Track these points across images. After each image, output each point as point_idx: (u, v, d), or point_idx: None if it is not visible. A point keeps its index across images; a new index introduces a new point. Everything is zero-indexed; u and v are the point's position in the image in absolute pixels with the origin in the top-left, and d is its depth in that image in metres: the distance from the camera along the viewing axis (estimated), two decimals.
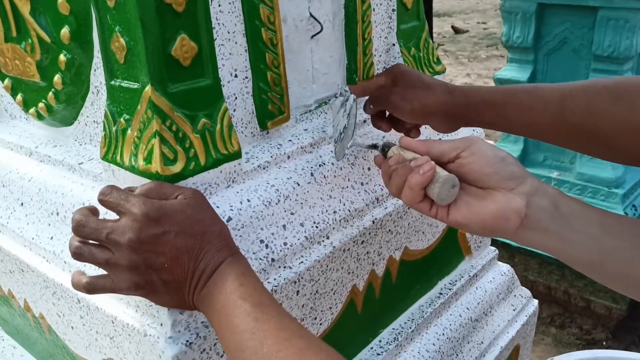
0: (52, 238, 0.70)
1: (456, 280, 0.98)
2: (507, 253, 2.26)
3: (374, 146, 0.70)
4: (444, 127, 0.75)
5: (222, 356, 0.60)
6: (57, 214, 0.70)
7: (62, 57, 0.67)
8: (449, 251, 0.97)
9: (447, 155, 0.59)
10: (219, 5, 0.64)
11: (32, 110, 0.76)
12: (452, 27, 7.23)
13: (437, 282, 0.97)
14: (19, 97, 0.78)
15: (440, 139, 0.78)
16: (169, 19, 0.58)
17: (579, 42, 2.05)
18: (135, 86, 0.60)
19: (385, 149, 0.67)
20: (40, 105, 0.74)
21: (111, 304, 0.63)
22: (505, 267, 1.09)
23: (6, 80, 0.79)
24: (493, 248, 1.09)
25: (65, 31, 0.65)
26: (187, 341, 0.57)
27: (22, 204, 0.76)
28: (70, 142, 0.76)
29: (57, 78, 0.69)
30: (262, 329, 0.48)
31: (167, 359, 0.56)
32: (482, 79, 5.30)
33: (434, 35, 6.41)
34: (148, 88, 0.58)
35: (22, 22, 0.70)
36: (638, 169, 2.27)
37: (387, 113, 0.81)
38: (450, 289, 0.96)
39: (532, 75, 2.18)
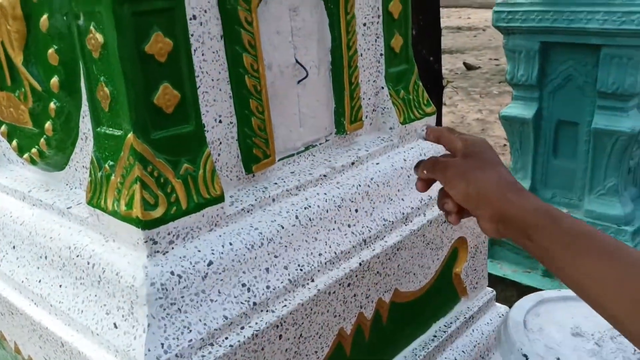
0: (40, 281, 0.71)
1: (451, 323, 0.97)
2: (517, 292, 2.22)
3: None
4: (488, 225, 0.62)
5: None
6: (45, 257, 0.71)
7: (52, 105, 0.69)
8: (443, 292, 0.96)
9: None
10: (203, 55, 0.66)
11: (26, 155, 0.78)
12: (464, 63, 7.29)
13: (431, 324, 0.96)
14: (14, 142, 0.80)
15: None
16: (151, 69, 0.60)
17: (584, 80, 2.05)
18: (119, 133, 0.61)
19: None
20: (34, 150, 0.76)
21: (93, 348, 0.63)
22: (503, 308, 1.07)
23: (3, 127, 0.82)
24: (490, 289, 1.07)
25: (54, 81, 0.67)
26: None
27: (14, 247, 0.77)
28: (61, 186, 0.78)
29: (48, 125, 0.71)
30: None
31: None
32: (493, 115, 5.30)
33: (446, 71, 6.46)
34: (130, 135, 0.60)
35: (15, 71, 0.73)
36: None
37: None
38: (445, 332, 0.95)
39: (538, 112, 2.18)
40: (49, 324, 0.68)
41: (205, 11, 0.65)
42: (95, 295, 0.64)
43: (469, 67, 7.21)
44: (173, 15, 0.61)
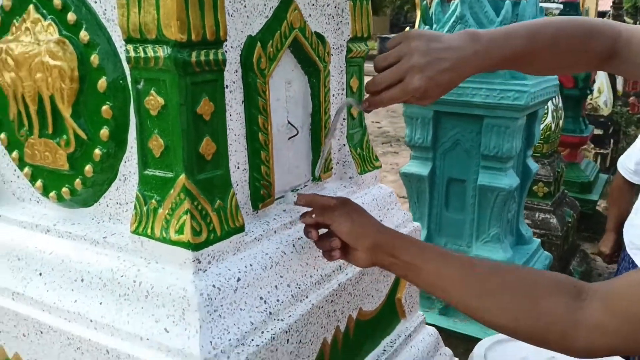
0: (76, 301, 0.82)
1: (395, 340, 1.17)
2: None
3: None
4: (364, 254, 0.85)
5: None
6: (82, 280, 0.83)
7: (97, 151, 0.83)
8: (389, 314, 1.17)
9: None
10: (230, 115, 0.84)
11: (52, 193, 0.90)
12: None
13: (380, 341, 1.15)
14: (39, 182, 0.91)
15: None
16: (199, 125, 0.77)
17: (470, 144, 2.43)
18: (170, 175, 0.77)
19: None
20: (64, 189, 0.88)
21: (141, 351, 0.75)
22: (431, 329, 1.30)
23: (26, 169, 0.92)
24: (421, 312, 1.30)
25: (104, 131, 0.81)
26: None
27: (40, 274, 0.87)
28: (87, 221, 0.89)
29: (88, 167, 0.84)
30: None
31: None
32: (380, 173, 5.73)
33: None
34: (182, 176, 0.76)
35: (60, 122, 0.85)
36: (524, 250, 2.64)
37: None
38: (392, 347, 1.15)
39: (432, 170, 2.52)
40: (91, 336, 0.79)
41: (234, 82, 0.84)
42: (142, 308, 0.77)
43: None
44: (216, 85, 0.79)
